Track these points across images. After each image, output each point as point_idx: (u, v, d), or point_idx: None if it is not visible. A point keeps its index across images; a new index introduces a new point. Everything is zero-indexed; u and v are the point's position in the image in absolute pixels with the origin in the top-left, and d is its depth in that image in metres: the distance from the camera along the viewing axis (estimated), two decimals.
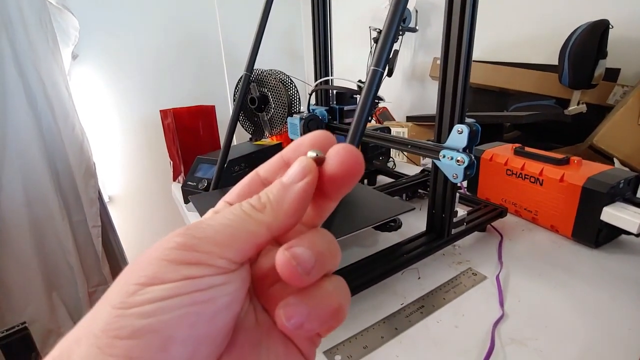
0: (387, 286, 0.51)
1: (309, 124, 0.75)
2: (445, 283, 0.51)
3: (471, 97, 1.15)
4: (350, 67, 1.50)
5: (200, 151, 0.95)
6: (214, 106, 1.11)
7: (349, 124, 0.36)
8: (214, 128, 1.11)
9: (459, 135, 0.46)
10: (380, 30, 0.37)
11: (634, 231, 0.51)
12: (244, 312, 0.15)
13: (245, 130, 0.90)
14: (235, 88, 0.81)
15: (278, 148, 0.98)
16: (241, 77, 0.76)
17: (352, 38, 1.44)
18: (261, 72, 0.80)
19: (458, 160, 0.46)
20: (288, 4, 1.82)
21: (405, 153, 1.12)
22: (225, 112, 1.13)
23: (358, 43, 1.39)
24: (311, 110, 0.79)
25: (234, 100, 0.79)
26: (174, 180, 1.11)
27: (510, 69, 1.09)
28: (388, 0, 1.03)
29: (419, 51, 1.45)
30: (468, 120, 0.48)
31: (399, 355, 0.40)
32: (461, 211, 0.57)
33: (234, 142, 0.94)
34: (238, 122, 0.80)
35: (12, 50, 1.01)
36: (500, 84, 1.12)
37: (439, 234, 0.56)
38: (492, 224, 0.64)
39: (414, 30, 1.22)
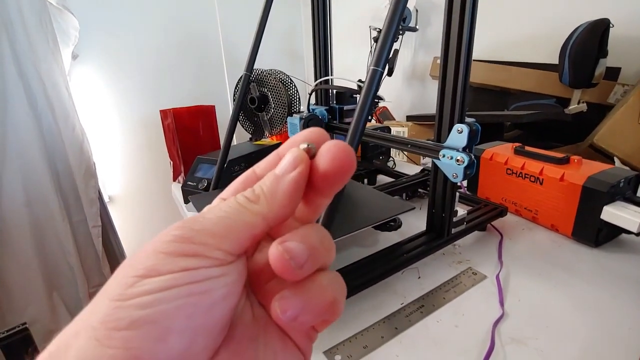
0: (387, 286, 0.51)
1: (309, 124, 0.75)
2: (445, 282, 0.51)
3: (471, 97, 1.15)
4: (350, 66, 1.50)
5: (200, 151, 0.95)
6: (214, 106, 1.11)
7: (349, 123, 0.36)
8: (214, 128, 1.11)
9: (458, 135, 0.46)
10: (380, 30, 0.37)
11: (634, 230, 0.51)
12: (241, 306, 0.16)
13: (245, 130, 0.90)
14: (235, 88, 0.81)
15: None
16: (241, 77, 0.76)
17: (352, 38, 1.44)
18: (261, 72, 0.80)
19: (458, 160, 0.46)
20: (288, 4, 1.82)
21: (405, 152, 1.12)
22: (225, 112, 1.13)
23: (358, 43, 1.39)
24: (311, 110, 0.79)
25: (234, 100, 0.79)
26: (174, 180, 1.11)
27: (510, 68, 1.09)
28: None
29: (419, 50, 1.45)
30: (468, 119, 0.48)
31: (399, 355, 0.40)
32: (461, 210, 0.57)
33: (234, 142, 0.94)
34: (238, 122, 0.80)
35: (12, 50, 1.01)
36: (501, 83, 1.12)
37: (439, 234, 0.56)
38: (492, 223, 0.64)
39: (414, 29, 1.22)
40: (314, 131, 0.17)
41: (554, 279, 0.51)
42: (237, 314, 0.15)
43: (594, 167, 0.59)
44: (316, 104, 0.83)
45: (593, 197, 0.55)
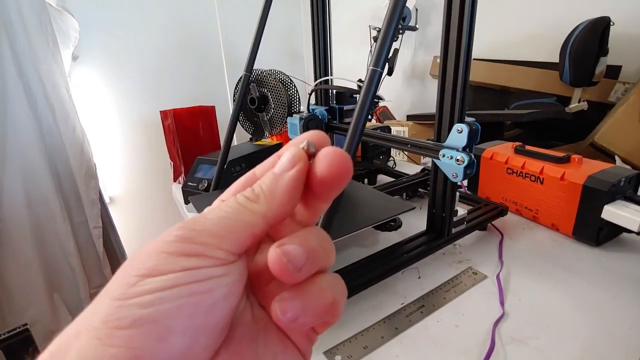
0: (388, 286, 0.51)
1: (309, 124, 0.75)
2: (445, 282, 0.51)
3: (472, 96, 1.15)
4: (350, 66, 1.50)
5: (201, 152, 0.95)
6: (214, 106, 1.11)
7: (349, 123, 0.36)
8: (214, 128, 1.11)
9: (458, 135, 0.46)
10: (380, 29, 0.37)
11: (635, 229, 0.51)
12: (242, 307, 0.16)
13: (245, 130, 0.90)
14: (235, 88, 0.81)
15: (278, 148, 0.97)
16: (241, 77, 0.76)
17: (352, 38, 1.44)
18: (261, 72, 0.80)
19: (458, 160, 0.46)
20: (288, 4, 1.82)
21: (406, 152, 1.12)
22: (225, 112, 1.13)
23: (358, 42, 1.38)
24: (311, 110, 0.79)
25: (234, 101, 0.79)
26: (175, 180, 1.12)
27: (510, 66, 1.09)
28: None
29: (419, 50, 1.45)
30: (468, 119, 0.47)
31: (399, 355, 0.40)
32: (461, 210, 0.57)
33: (234, 142, 0.94)
34: (238, 122, 0.80)
35: (12, 52, 1.01)
36: (501, 82, 1.12)
37: (439, 233, 0.56)
38: (493, 222, 0.64)
39: (414, 28, 1.22)
40: (315, 134, 0.17)
41: (555, 278, 0.51)
42: (237, 314, 0.15)
43: (595, 166, 0.59)
44: (316, 104, 0.83)
45: (594, 196, 0.55)
